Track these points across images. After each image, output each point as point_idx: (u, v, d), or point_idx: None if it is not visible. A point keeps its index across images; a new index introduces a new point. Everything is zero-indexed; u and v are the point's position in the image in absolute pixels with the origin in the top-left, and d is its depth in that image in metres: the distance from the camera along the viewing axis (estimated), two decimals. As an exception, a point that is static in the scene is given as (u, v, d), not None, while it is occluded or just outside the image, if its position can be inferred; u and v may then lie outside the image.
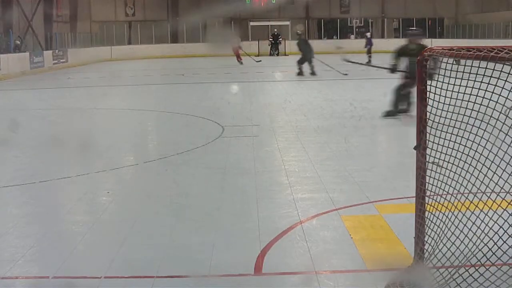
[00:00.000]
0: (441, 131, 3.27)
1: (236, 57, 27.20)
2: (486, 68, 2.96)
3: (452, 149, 3.21)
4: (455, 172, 3.21)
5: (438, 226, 3.33)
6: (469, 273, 3.17)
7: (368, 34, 29.51)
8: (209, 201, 5.72)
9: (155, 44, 39.58)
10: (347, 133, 9.41)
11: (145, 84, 20.21)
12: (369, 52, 27.63)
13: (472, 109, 3.10)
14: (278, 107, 12.90)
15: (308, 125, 10.25)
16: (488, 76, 2.96)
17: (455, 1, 42.80)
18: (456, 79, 3.16)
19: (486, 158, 3.08)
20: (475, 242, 3.11)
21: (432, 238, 3.39)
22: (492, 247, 3.06)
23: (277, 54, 37.48)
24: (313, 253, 4.20)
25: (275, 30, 39.29)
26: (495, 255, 3.05)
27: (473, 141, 3.11)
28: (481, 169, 3.08)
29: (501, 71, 2.92)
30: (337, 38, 42.07)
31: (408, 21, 41.81)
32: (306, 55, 20.31)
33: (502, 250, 3.05)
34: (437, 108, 3.30)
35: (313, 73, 20.04)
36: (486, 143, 3.07)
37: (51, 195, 6.29)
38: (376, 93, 15.32)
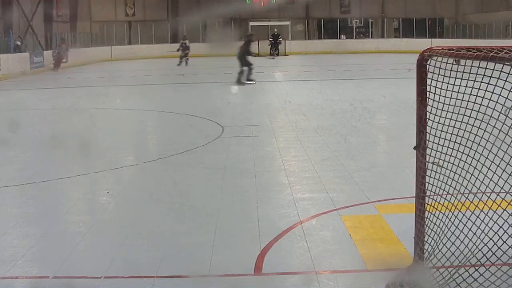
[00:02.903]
0: (441, 131, 3.27)
1: (54, 65, 27.03)
2: (486, 68, 2.96)
3: (452, 149, 3.21)
4: (455, 172, 3.21)
5: (438, 226, 3.33)
6: (469, 273, 3.17)
7: (187, 42, 29.22)
8: (209, 201, 5.72)
9: (155, 44, 39.58)
10: (347, 133, 9.41)
11: (145, 84, 20.21)
12: (185, 55, 27.77)
13: (472, 109, 3.10)
14: (278, 107, 12.90)
15: (308, 125, 10.25)
16: (488, 76, 2.96)
17: (455, 1, 42.82)
18: (456, 79, 3.16)
19: (486, 158, 3.07)
20: (475, 242, 3.11)
21: (432, 238, 3.39)
22: (492, 247, 3.06)
23: (277, 54, 37.48)
24: (313, 253, 4.20)
25: (275, 30, 39.27)
26: (495, 255, 3.05)
27: (473, 141, 3.11)
28: (481, 169, 3.08)
29: (501, 71, 2.92)
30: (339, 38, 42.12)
31: (408, 21, 41.85)
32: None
33: (502, 250, 3.05)
34: (437, 108, 3.30)
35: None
36: (486, 143, 3.07)
37: (51, 195, 6.29)
38: (376, 93, 15.35)
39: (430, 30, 41.41)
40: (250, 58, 18.33)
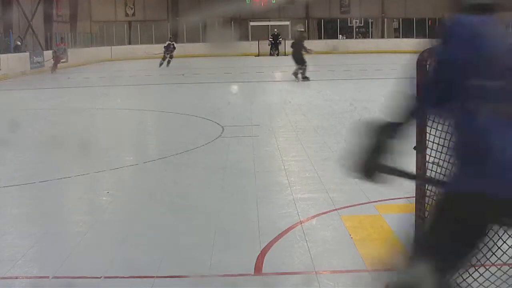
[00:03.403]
0: (441, 131, 3.27)
1: (53, 66, 26.07)
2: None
3: (452, 149, 3.20)
4: (455, 172, 3.20)
5: (438, 226, 3.33)
6: (469, 273, 3.16)
7: (174, 43, 28.53)
8: (209, 201, 5.72)
9: (155, 44, 39.59)
10: (347, 133, 9.40)
11: (145, 84, 20.21)
12: (171, 57, 27.48)
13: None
14: (278, 107, 12.90)
15: (308, 125, 10.25)
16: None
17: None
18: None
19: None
20: (475, 242, 3.11)
21: (432, 238, 3.39)
22: (492, 247, 3.05)
23: (277, 54, 37.47)
24: (313, 253, 4.20)
25: (275, 30, 39.25)
26: (495, 255, 3.05)
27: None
28: (481, 169, 3.07)
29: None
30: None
31: (408, 21, 41.84)
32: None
33: (502, 250, 3.04)
34: (437, 108, 3.30)
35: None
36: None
37: (51, 195, 6.29)
38: (376, 93, 15.35)
39: (430, 30, 41.40)
40: (304, 56, 18.39)
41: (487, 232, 2.30)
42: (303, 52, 18.38)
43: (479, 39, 2.00)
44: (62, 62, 28.04)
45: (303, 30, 21.06)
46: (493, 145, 2.00)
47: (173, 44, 27.88)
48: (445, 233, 2.21)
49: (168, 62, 27.22)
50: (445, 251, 2.25)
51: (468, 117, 2.05)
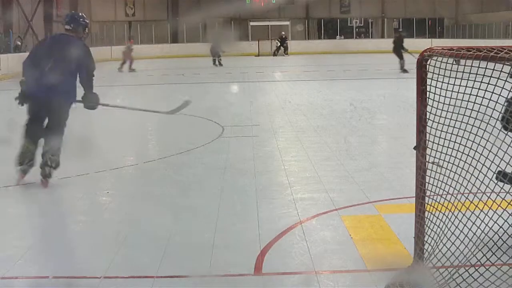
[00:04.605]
0: (441, 131, 3.27)
1: (124, 64, 25.50)
2: (486, 68, 2.96)
3: (452, 149, 3.21)
4: (455, 172, 3.21)
5: (438, 226, 3.33)
6: (469, 273, 3.17)
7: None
8: (209, 201, 5.72)
9: (155, 44, 39.60)
10: (347, 133, 9.41)
11: (145, 84, 20.21)
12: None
13: (472, 109, 3.10)
14: (278, 107, 12.90)
15: (308, 125, 10.25)
16: (488, 76, 2.96)
17: (455, 1, 42.83)
18: (456, 79, 3.16)
19: (486, 158, 3.07)
20: (475, 242, 3.11)
21: (432, 238, 3.39)
22: (492, 247, 3.06)
23: (285, 53, 37.46)
24: (313, 253, 4.20)
25: (283, 33, 39.09)
26: (495, 255, 3.05)
27: (473, 141, 3.11)
28: (481, 169, 3.08)
29: (501, 71, 2.92)
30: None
31: (408, 21, 41.86)
32: None
33: (502, 250, 3.05)
34: (437, 108, 3.30)
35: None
36: (486, 143, 3.07)
37: (51, 195, 6.29)
38: (376, 93, 15.35)
39: (430, 30, 41.43)
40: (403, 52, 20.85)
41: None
42: (401, 49, 20.89)
43: (46, 43, 7.34)
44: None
45: (401, 30, 24.65)
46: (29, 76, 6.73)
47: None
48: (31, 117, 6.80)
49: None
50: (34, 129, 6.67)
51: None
